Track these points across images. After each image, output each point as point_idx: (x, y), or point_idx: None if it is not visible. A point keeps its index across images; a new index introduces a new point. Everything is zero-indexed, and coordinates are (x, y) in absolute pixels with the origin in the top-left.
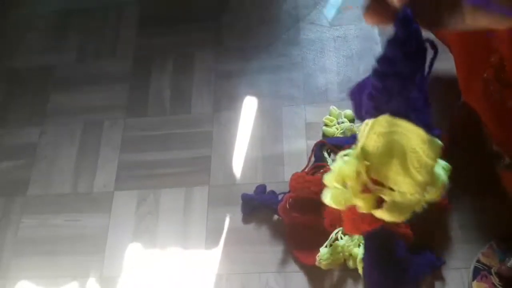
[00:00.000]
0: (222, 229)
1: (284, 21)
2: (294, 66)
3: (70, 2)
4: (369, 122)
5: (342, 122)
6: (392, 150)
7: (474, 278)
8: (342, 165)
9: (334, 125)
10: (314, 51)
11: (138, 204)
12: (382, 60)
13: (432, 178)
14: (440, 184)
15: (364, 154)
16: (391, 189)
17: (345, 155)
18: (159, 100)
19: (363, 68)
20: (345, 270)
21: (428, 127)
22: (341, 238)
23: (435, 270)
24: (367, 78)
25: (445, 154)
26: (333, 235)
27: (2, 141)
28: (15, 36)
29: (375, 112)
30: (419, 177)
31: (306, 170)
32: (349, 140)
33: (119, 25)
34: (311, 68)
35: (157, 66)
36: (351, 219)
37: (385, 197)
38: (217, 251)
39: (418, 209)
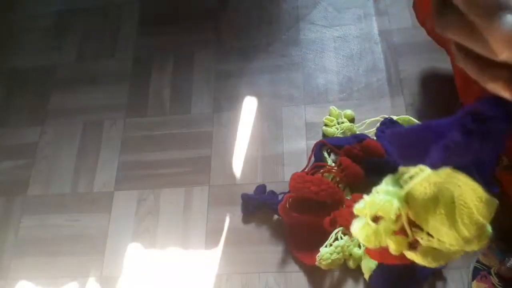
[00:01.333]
0: (222, 229)
1: (284, 21)
2: (294, 66)
3: (70, 2)
4: (426, 170)
5: (342, 122)
6: (442, 198)
7: (473, 278)
8: (378, 200)
9: (334, 125)
10: (314, 51)
11: (138, 204)
12: (476, 117)
13: (479, 233)
14: (485, 237)
15: (409, 198)
16: (429, 234)
17: (380, 190)
18: (159, 100)
19: (363, 68)
20: (345, 270)
21: (488, 184)
22: (341, 238)
23: (436, 270)
24: (426, 127)
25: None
26: (333, 235)
27: (2, 141)
28: (15, 36)
29: (440, 164)
30: (466, 233)
31: (306, 170)
32: (349, 140)
33: (119, 25)
34: (311, 68)
35: (157, 66)
36: (379, 251)
37: (421, 241)
38: (217, 251)
39: (455, 258)
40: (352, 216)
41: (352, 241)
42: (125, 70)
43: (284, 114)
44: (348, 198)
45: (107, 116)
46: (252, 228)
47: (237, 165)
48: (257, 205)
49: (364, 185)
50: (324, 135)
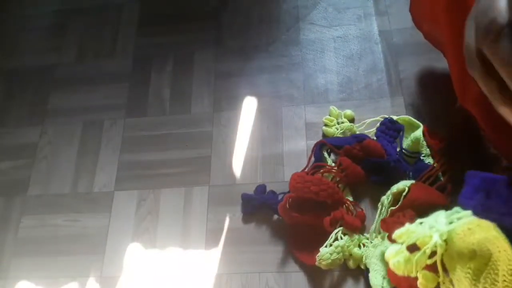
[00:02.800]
0: (222, 229)
1: (284, 21)
2: (294, 66)
3: (70, 2)
4: (471, 216)
5: (342, 122)
6: (479, 254)
7: None
8: (419, 232)
9: (334, 125)
10: (314, 51)
11: (138, 204)
12: None
13: None
14: None
15: (449, 240)
16: (451, 281)
17: (426, 221)
18: (158, 100)
19: (363, 68)
20: (345, 270)
21: None
22: (341, 238)
23: None
24: (499, 180)
25: (444, 155)
26: (333, 235)
27: (2, 141)
28: (14, 36)
29: (486, 214)
30: None
31: (306, 170)
32: (349, 140)
33: (119, 25)
34: (311, 68)
35: (156, 66)
36: (402, 278)
37: (443, 286)
38: (217, 251)
39: None
40: (395, 225)
41: (352, 241)
42: (125, 70)
43: (284, 114)
44: (349, 198)
45: (107, 116)
46: (252, 228)
47: (237, 165)
48: (257, 205)
49: (364, 185)
50: (324, 135)
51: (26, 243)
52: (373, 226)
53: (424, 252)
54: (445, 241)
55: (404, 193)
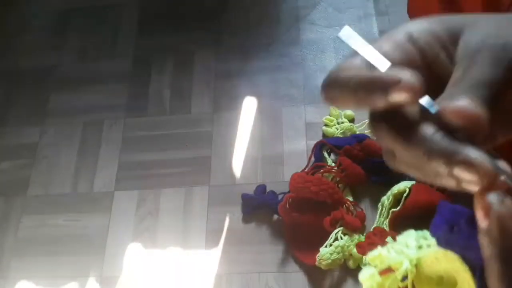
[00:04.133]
0: (222, 229)
1: (284, 21)
2: (294, 66)
3: (70, 2)
4: (436, 247)
5: (342, 122)
6: (443, 281)
7: None
8: (391, 258)
9: (334, 125)
10: (314, 51)
11: (138, 204)
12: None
13: None
14: None
15: (418, 265)
16: None
17: (396, 246)
18: (159, 100)
19: None
20: (345, 270)
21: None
22: (341, 238)
23: None
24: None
25: None
26: (333, 235)
27: (2, 141)
28: (15, 36)
29: (449, 247)
30: None
31: (306, 170)
32: (349, 140)
33: (119, 25)
34: (311, 68)
35: (157, 66)
36: None
37: None
38: (217, 251)
39: None
40: (371, 248)
41: (352, 241)
42: (125, 70)
43: (284, 114)
44: (349, 198)
45: (107, 116)
46: (252, 228)
47: (237, 165)
48: (257, 205)
49: (364, 185)
50: (324, 135)
51: (26, 243)
52: (373, 227)
53: (396, 277)
54: (415, 265)
55: (405, 194)
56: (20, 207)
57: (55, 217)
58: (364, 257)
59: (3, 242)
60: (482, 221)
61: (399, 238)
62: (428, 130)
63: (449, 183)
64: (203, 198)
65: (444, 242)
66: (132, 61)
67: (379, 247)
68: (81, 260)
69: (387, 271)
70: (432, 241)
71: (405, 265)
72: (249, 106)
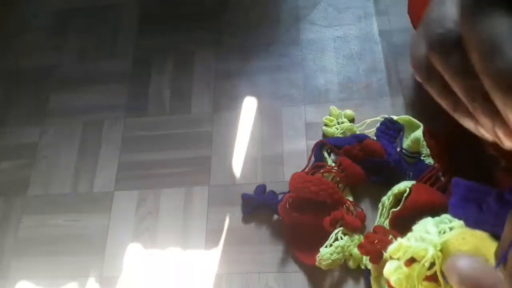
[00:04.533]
0: (222, 229)
1: (284, 21)
2: (294, 66)
3: (70, 2)
4: (463, 226)
5: (342, 122)
6: None
7: None
8: (414, 247)
9: (334, 125)
10: (314, 51)
11: (138, 204)
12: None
13: None
14: None
15: (444, 249)
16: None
17: (415, 235)
18: (159, 100)
19: (363, 68)
20: (345, 270)
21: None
22: (341, 238)
23: None
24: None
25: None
26: (333, 235)
27: (2, 141)
28: (15, 36)
29: (480, 226)
30: None
31: (306, 170)
32: (349, 140)
33: (119, 25)
34: (311, 68)
35: (157, 66)
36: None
37: None
38: (217, 251)
39: None
40: (373, 246)
41: (352, 241)
42: (125, 70)
43: (284, 114)
44: (349, 198)
45: (107, 116)
46: (252, 228)
47: (237, 165)
48: (257, 205)
49: (364, 185)
50: (324, 135)
51: (26, 243)
52: (373, 228)
53: (423, 265)
54: (441, 251)
55: (405, 194)
56: (20, 207)
57: (55, 217)
58: (364, 257)
59: (3, 242)
60: None
61: (416, 227)
62: None
63: (471, 125)
64: (203, 198)
65: (473, 222)
66: (132, 61)
67: (398, 238)
68: (81, 260)
69: (411, 261)
70: (454, 223)
71: (431, 252)
72: (249, 106)
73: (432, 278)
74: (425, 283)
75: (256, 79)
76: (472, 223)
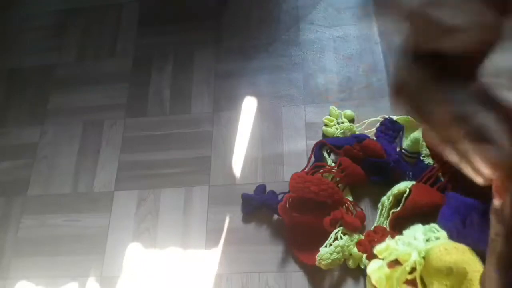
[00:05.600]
0: (222, 229)
1: (284, 21)
2: (294, 66)
3: (70, 2)
4: (446, 238)
5: (342, 122)
6: (455, 272)
7: None
8: (400, 250)
9: (334, 125)
10: (314, 51)
11: (138, 204)
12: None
13: None
14: None
15: (426, 257)
16: None
17: (404, 238)
18: (159, 100)
19: (363, 68)
20: (345, 270)
21: None
22: (341, 238)
23: None
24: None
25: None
26: (333, 235)
27: (2, 141)
28: (15, 36)
29: (462, 240)
30: None
31: (306, 170)
32: (349, 140)
33: (119, 25)
34: (311, 68)
35: (156, 66)
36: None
37: None
38: (217, 251)
39: None
40: (371, 245)
41: (352, 241)
42: (125, 70)
43: (284, 114)
44: (349, 198)
45: (107, 116)
46: (252, 228)
47: (237, 165)
48: (257, 205)
49: (364, 185)
50: (324, 135)
51: (26, 243)
52: (373, 227)
53: (405, 269)
54: (423, 258)
55: (405, 195)
56: (20, 207)
57: (55, 217)
58: (364, 256)
59: (3, 242)
60: (496, 199)
61: (406, 232)
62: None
63: (455, 159)
64: (203, 198)
65: (456, 236)
66: (132, 61)
67: (386, 240)
68: (81, 260)
69: (395, 263)
70: (441, 233)
71: (414, 257)
72: (249, 106)
73: (412, 283)
74: (404, 286)
75: (256, 79)
76: (455, 237)
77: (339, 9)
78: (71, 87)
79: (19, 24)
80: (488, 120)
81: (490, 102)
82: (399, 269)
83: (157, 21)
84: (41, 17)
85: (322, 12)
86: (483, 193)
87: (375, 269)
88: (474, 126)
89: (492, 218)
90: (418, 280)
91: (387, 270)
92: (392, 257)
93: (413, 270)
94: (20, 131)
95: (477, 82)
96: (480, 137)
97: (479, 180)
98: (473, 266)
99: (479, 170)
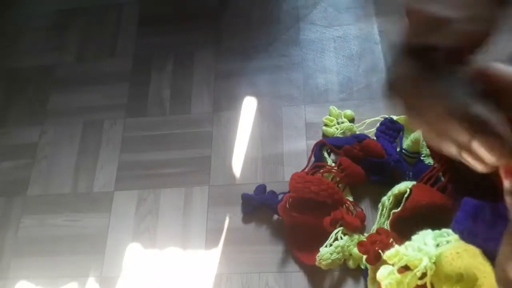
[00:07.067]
0: (222, 229)
1: (284, 21)
2: (294, 66)
3: (70, 2)
4: (458, 240)
5: (342, 122)
6: (466, 277)
7: None
8: (410, 255)
9: (334, 125)
10: (314, 51)
11: (138, 204)
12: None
13: None
14: None
15: (437, 262)
16: None
17: (414, 244)
18: (159, 100)
19: (363, 68)
20: (345, 270)
21: None
22: (341, 238)
23: None
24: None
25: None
26: (333, 235)
27: (2, 141)
28: (15, 36)
29: (472, 238)
30: None
31: (306, 170)
32: (349, 140)
33: (119, 25)
34: (311, 68)
35: (156, 66)
36: None
37: None
38: (217, 251)
39: None
40: (372, 247)
41: (352, 241)
42: (125, 70)
43: (284, 114)
44: (349, 198)
45: (107, 116)
46: (252, 228)
47: (237, 165)
48: (257, 205)
49: (364, 185)
50: (324, 135)
51: (26, 243)
52: (373, 227)
53: (415, 274)
54: (434, 263)
55: (405, 195)
56: (20, 207)
57: (55, 217)
58: (364, 257)
59: (3, 242)
60: (506, 182)
61: (415, 237)
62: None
63: (454, 151)
64: (203, 198)
65: (467, 235)
66: (132, 61)
67: (396, 246)
68: (81, 260)
69: (405, 268)
70: (451, 237)
71: (425, 262)
72: (249, 106)
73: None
74: None
75: (256, 79)
76: (466, 235)
77: (339, 9)
78: (71, 87)
79: (19, 24)
80: (485, 109)
81: (484, 90)
82: (409, 275)
83: (157, 21)
84: (41, 17)
85: (322, 12)
86: (486, 193)
87: (385, 275)
88: (472, 117)
89: (508, 200)
90: (428, 286)
91: (397, 275)
92: (403, 263)
93: (423, 275)
94: (20, 131)
95: (470, 73)
96: (480, 128)
97: (481, 168)
98: (483, 270)
99: (483, 159)
